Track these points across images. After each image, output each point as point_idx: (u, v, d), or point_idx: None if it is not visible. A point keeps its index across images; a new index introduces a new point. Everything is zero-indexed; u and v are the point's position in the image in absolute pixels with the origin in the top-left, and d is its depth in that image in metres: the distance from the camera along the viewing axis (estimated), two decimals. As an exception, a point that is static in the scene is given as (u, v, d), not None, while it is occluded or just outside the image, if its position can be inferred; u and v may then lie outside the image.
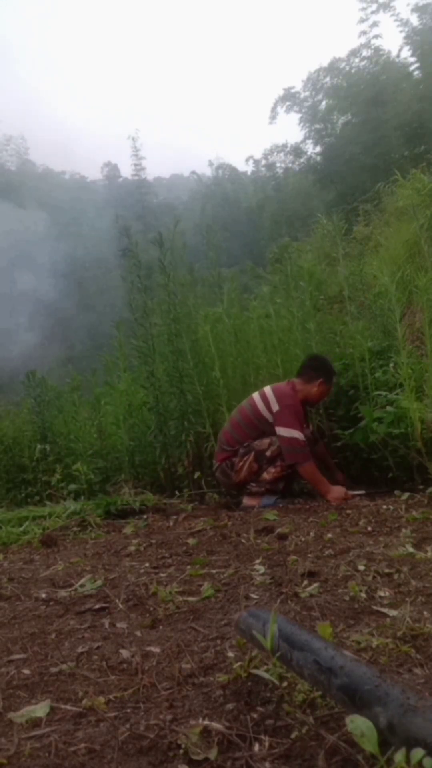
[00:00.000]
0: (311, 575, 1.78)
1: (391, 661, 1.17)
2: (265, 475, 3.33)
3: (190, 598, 1.71)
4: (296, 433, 3.25)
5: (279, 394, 3.37)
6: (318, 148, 21.67)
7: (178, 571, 2.04)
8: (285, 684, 1.06)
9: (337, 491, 3.16)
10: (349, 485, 3.35)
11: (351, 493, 3.17)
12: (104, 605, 1.75)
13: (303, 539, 2.30)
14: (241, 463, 3.38)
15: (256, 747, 0.90)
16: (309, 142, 21.95)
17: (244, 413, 3.45)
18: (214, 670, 1.20)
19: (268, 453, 3.33)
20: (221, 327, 4.11)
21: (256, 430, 3.38)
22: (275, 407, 3.33)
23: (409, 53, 17.65)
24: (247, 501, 3.37)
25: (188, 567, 2.08)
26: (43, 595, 1.92)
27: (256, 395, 3.46)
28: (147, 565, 2.19)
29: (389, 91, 17.06)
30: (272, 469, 3.32)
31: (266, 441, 3.34)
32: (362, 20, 18.81)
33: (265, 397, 3.40)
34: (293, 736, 0.92)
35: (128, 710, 1.06)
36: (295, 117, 21.93)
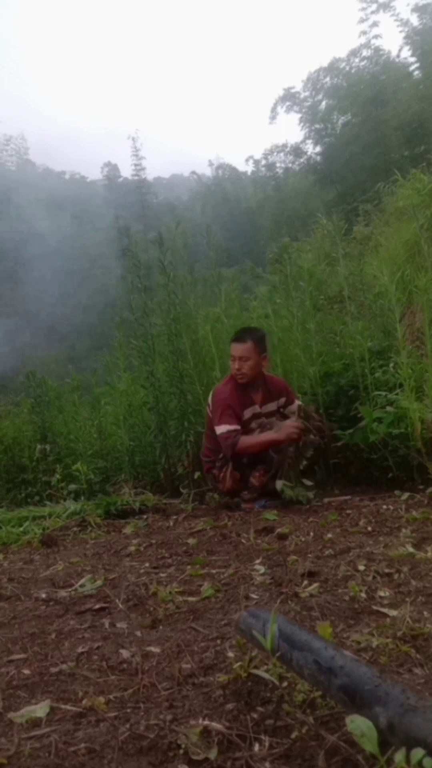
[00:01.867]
0: (311, 575, 1.78)
1: (391, 661, 1.17)
2: (253, 481, 3.29)
3: (190, 598, 1.71)
4: (222, 428, 3.20)
5: (212, 396, 3.37)
6: (318, 148, 21.72)
7: (178, 571, 2.04)
8: (285, 684, 1.06)
9: (285, 427, 3.11)
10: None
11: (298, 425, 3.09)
12: (104, 605, 1.75)
13: (303, 539, 2.30)
14: (222, 474, 3.36)
15: (256, 747, 0.90)
16: (309, 142, 22.01)
17: (208, 423, 3.44)
18: (214, 670, 1.20)
19: (245, 460, 3.28)
20: (221, 327, 4.11)
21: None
22: (211, 407, 3.34)
23: (409, 53, 17.70)
24: (243, 505, 3.37)
25: (188, 567, 2.09)
26: (43, 595, 1.91)
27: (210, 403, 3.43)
28: (147, 565, 2.19)
29: (389, 91, 17.07)
30: (256, 473, 3.28)
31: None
32: (362, 20, 18.87)
33: (209, 404, 3.40)
34: (293, 736, 0.92)
35: (128, 710, 1.06)
36: (295, 117, 21.99)
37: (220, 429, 3.22)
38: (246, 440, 3.18)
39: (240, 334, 3.41)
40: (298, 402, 3.48)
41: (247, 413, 3.33)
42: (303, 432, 3.11)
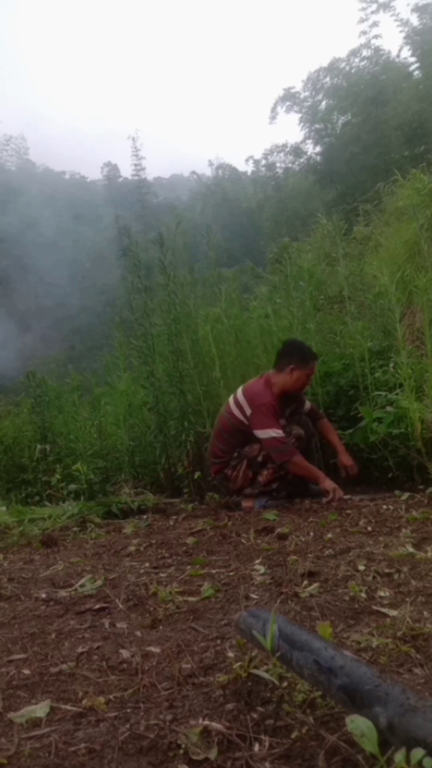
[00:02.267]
0: (311, 575, 1.78)
1: (391, 661, 1.17)
2: (260, 478, 3.33)
3: (190, 598, 1.71)
4: (273, 432, 3.19)
5: (249, 396, 3.31)
6: (318, 148, 21.73)
7: (178, 571, 2.04)
8: (285, 684, 1.06)
9: (330, 482, 3.15)
10: (356, 467, 3.35)
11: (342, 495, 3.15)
12: (104, 605, 1.75)
13: (303, 539, 2.30)
14: (234, 473, 3.36)
15: (256, 747, 0.90)
16: (309, 142, 22.02)
17: (224, 423, 3.41)
18: (214, 670, 1.20)
19: (259, 458, 3.30)
20: (221, 327, 4.11)
21: (241, 436, 3.34)
22: (248, 410, 3.28)
23: (409, 53, 17.70)
24: (243, 503, 3.37)
25: (188, 567, 2.09)
26: (43, 595, 1.91)
27: (231, 401, 3.41)
28: (147, 565, 2.19)
29: (389, 91, 17.07)
30: (265, 472, 3.31)
31: (256, 447, 3.30)
32: (362, 20, 18.89)
33: (238, 402, 3.35)
34: (293, 736, 0.92)
35: (128, 710, 1.06)
36: (295, 117, 22.01)
37: (270, 432, 3.20)
38: (302, 461, 3.21)
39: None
40: (308, 403, 3.53)
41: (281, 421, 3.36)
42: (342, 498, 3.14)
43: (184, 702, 1.07)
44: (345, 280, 4.19)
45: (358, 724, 0.81)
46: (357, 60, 19.90)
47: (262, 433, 3.22)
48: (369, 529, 2.39)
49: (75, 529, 3.18)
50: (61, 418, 5.17)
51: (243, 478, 3.35)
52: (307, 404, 3.53)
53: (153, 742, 0.94)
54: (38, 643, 1.49)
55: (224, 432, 3.41)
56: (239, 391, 3.40)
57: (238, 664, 1.13)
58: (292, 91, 21.98)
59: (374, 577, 1.72)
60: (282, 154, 26.56)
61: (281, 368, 3.32)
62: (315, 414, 3.54)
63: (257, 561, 2.04)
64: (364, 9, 18.56)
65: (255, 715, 0.99)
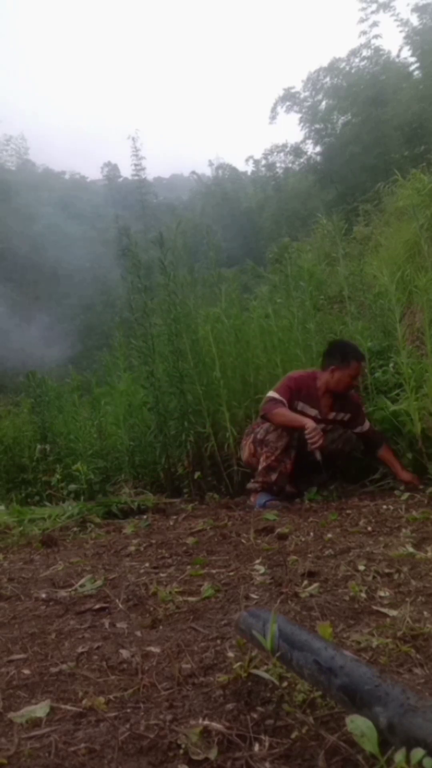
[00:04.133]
0: (311, 575, 1.78)
1: (391, 661, 1.17)
2: (260, 464, 3.36)
3: (190, 598, 1.71)
4: (271, 393, 3.30)
5: (286, 375, 3.46)
6: (318, 148, 21.72)
7: (178, 571, 2.04)
8: (285, 684, 1.06)
9: (311, 423, 3.13)
10: (417, 479, 3.22)
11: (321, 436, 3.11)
12: (104, 605, 1.74)
13: (303, 539, 2.30)
14: (244, 442, 3.53)
15: (256, 747, 0.90)
16: (309, 142, 22.00)
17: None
18: (214, 670, 1.20)
19: (259, 435, 3.39)
20: (221, 327, 4.11)
21: None
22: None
23: (409, 53, 17.69)
24: (251, 498, 3.42)
25: (188, 567, 2.08)
26: (43, 595, 1.91)
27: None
28: (147, 565, 2.19)
29: (389, 91, 17.07)
30: (261, 455, 3.36)
31: (264, 425, 3.39)
32: (362, 20, 18.86)
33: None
34: (293, 736, 0.92)
35: (128, 710, 1.06)
36: (295, 117, 21.98)
37: (271, 394, 3.30)
38: (282, 410, 3.24)
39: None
40: (368, 424, 3.43)
41: (308, 410, 3.34)
42: (323, 442, 3.12)
43: (184, 702, 1.07)
44: (345, 280, 4.19)
45: (358, 724, 0.81)
46: (357, 60, 19.89)
47: (268, 393, 3.33)
48: (369, 529, 2.39)
49: (75, 529, 3.18)
50: (61, 418, 5.17)
51: (248, 451, 3.48)
52: (367, 424, 3.42)
53: (153, 742, 0.94)
54: (38, 643, 1.49)
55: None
56: None
57: (238, 664, 1.13)
58: (292, 91, 21.96)
59: (374, 577, 1.72)
60: (282, 154, 26.57)
61: (325, 368, 3.38)
62: (374, 438, 3.40)
63: (257, 561, 2.04)
64: (364, 9, 18.55)
65: (255, 715, 0.99)
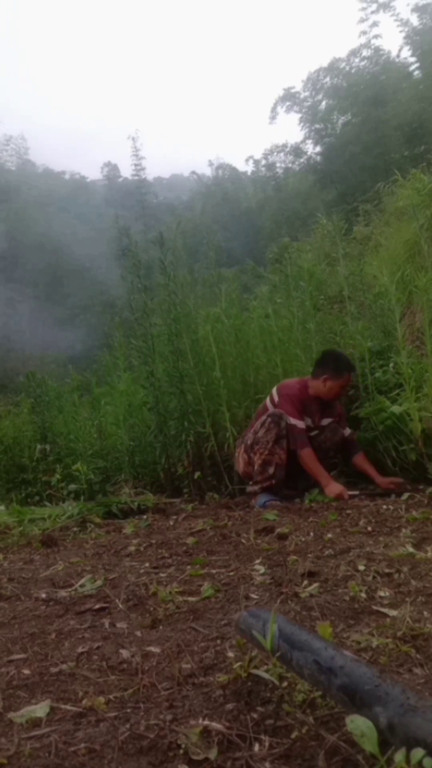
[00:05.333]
0: (311, 575, 1.78)
1: (391, 661, 1.17)
2: (256, 464, 3.37)
3: (190, 598, 1.71)
4: (292, 420, 3.33)
5: (280, 387, 3.47)
6: (318, 148, 21.69)
7: (178, 571, 2.04)
8: (285, 684, 1.06)
9: (335, 486, 3.17)
10: (397, 480, 3.27)
11: (348, 493, 3.16)
12: (104, 605, 1.74)
13: (303, 539, 2.30)
14: (237, 453, 3.55)
15: (256, 747, 0.90)
16: (309, 142, 21.98)
17: (258, 415, 3.54)
18: (214, 670, 1.20)
19: (249, 441, 3.41)
20: (221, 327, 4.12)
21: None
22: (277, 399, 3.43)
23: (409, 53, 17.67)
24: (252, 500, 3.42)
25: (188, 567, 2.08)
26: (43, 595, 1.91)
27: (267, 399, 3.54)
28: (147, 565, 2.19)
29: (389, 91, 17.06)
30: (255, 456, 3.38)
31: (251, 430, 3.44)
32: (362, 20, 18.85)
33: (272, 396, 3.49)
34: (293, 736, 0.92)
35: (128, 710, 1.06)
36: (295, 117, 21.97)
37: (290, 420, 3.32)
38: (308, 455, 3.28)
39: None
40: (349, 430, 3.55)
41: (306, 420, 3.43)
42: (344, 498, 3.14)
43: (184, 702, 1.07)
44: (345, 280, 4.19)
45: (358, 724, 0.81)
46: (357, 60, 19.88)
47: (292, 420, 3.35)
48: (369, 529, 2.39)
49: (75, 529, 3.18)
50: (61, 418, 5.18)
51: (243, 461, 3.50)
52: (348, 430, 3.54)
53: (153, 742, 0.94)
54: (38, 643, 1.49)
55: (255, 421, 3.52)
56: (275, 388, 3.51)
57: (238, 664, 1.13)
58: (292, 91, 21.95)
59: (374, 577, 1.71)
60: (282, 154, 26.54)
61: (317, 376, 3.42)
62: (351, 445, 3.52)
63: (257, 561, 2.04)
64: (364, 9, 18.54)
65: (255, 715, 0.98)
